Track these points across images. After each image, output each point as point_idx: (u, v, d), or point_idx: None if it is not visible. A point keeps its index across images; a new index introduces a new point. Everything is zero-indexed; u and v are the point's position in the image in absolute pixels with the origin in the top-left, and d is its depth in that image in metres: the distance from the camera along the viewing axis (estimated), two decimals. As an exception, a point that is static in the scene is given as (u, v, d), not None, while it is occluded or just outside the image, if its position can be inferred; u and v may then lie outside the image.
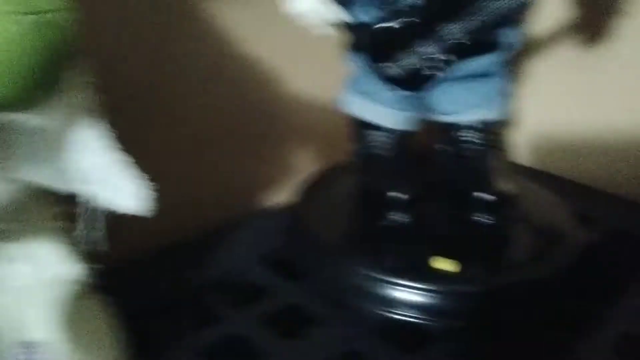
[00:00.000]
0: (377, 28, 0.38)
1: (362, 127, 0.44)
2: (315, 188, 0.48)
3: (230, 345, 0.39)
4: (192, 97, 0.52)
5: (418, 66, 0.38)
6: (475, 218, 0.42)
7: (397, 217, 0.41)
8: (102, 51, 0.37)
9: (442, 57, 0.37)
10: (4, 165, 0.25)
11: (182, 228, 0.50)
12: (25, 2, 0.19)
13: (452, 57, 0.38)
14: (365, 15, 0.39)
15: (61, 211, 0.32)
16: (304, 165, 0.59)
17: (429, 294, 0.37)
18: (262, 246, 0.48)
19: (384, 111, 0.43)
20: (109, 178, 0.26)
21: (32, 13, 0.19)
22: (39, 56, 0.19)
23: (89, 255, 0.34)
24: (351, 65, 0.44)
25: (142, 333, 0.40)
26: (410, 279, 0.37)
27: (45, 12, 0.19)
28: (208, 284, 0.44)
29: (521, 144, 0.64)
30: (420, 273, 0.38)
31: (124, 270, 0.45)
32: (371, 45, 0.39)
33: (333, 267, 0.40)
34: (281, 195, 0.57)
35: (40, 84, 0.20)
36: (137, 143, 0.28)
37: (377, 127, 0.44)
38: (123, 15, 0.44)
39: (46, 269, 0.30)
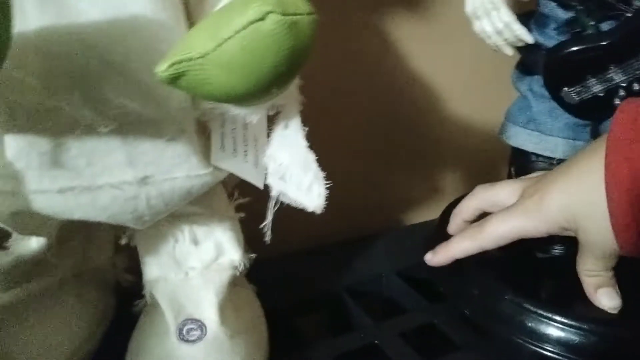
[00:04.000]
0: (558, 51, 0.37)
1: (522, 154, 0.43)
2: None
3: (366, 354, 0.39)
4: (361, 110, 0.53)
5: (600, 94, 0.37)
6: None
7: (556, 250, 0.39)
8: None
9: (631, 86, 0.35)
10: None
11: (331, 231, 0.51)
12: (283, 4, 0.20)
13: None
14: (545, 38, 0.38)
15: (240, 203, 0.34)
16: (457, 186, 0.59)
17: (582, 333, 0.35)
18: (402, 260, 0.48)
19: (549, 140, 0.41)
20: (300, 174, 0.26)
21: (288, 14, 0.20)
22: (285, 56, 0.20)
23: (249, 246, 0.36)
24: (520, 92, 0.42)
25: (284, 328, 0.41)
26: (565, 316, 0.35)
27: (300, 14, 0.20)
28: (345, 290, 0.45)
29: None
30: (576, 311, 0.35)
31: (271, 265, 0.46)
32: (548, 69, 0.37)
33: (480, 293, 0.39)
34: (430, 212, 0.56)
35: (280, 82, 0.21)
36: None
37: (537, 155, 0.42)
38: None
39: (224, 255, 0.31)
